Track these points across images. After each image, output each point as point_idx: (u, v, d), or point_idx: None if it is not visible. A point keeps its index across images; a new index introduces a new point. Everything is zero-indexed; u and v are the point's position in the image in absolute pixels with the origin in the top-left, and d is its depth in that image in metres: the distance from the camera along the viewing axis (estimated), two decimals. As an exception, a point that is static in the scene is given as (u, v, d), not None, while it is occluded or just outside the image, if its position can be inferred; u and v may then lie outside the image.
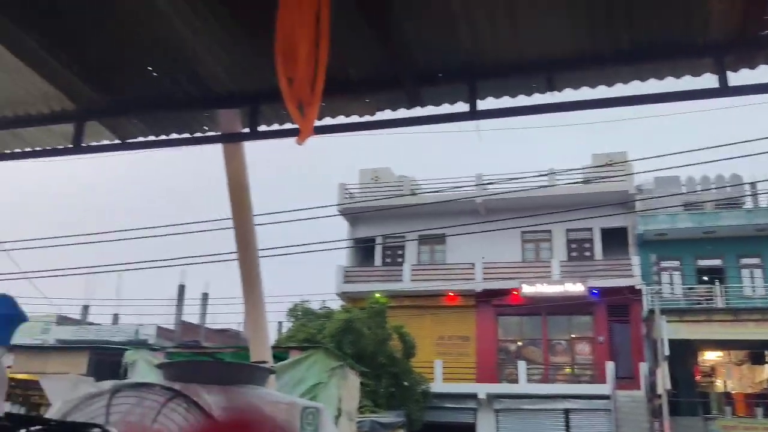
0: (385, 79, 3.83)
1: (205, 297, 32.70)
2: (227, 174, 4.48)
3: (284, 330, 25.37)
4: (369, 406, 16.82)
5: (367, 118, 4.14)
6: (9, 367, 21.37)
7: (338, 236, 26.97)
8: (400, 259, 27.83)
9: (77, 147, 4.60)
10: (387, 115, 4.10)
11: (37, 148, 4.82)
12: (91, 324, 29.97)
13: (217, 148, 4.57)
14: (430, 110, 3.98)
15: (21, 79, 4.26)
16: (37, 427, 1.42)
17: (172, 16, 3.53)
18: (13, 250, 13.19)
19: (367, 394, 15.91)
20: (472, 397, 23.47)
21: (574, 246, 26.35)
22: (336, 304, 25.49)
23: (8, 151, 4.89)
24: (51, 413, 1.91)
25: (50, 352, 22.51)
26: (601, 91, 3.70)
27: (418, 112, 3.99)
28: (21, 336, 23.36)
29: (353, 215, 27.58)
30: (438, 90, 3.91)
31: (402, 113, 4.05)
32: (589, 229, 25.36)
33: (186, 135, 4.51)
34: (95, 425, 1.58)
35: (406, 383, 21.09)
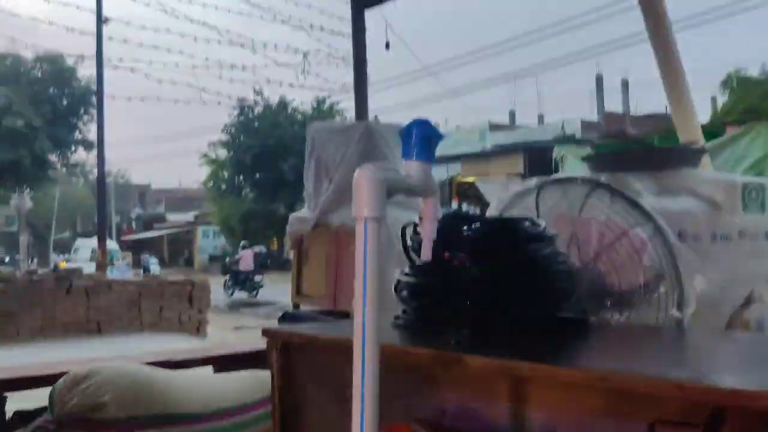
0: None
1: (625, 84, 31.71)
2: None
3: (719, 106, 23.22)
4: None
5: None
6: (459, 174, 24.46)
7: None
8: None
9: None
10: None
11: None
12: (519, 127, 31.87)
13: None
14: None
15: None
16: (477, 223, 1.61)
17: None
18: (437, 72, 14.59)
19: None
20: None
21: None
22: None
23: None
24: (489, 211, 2.17)
25: (489, 157, 24.91)
26: None
27: None
28: (464, 145, 26.20)
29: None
30: None
31: None
32: None
33: None
34: (525, 219, 1.72)
35: None
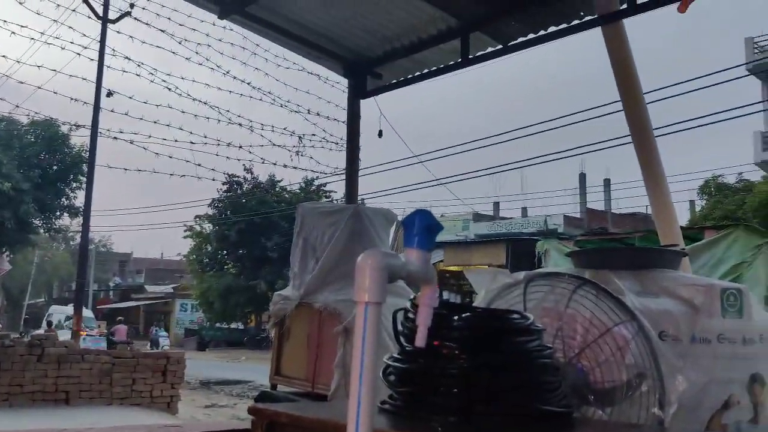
0: None
1: (607, 183, 32.48)
2: (610, 56, 4.32)
3: (697, 209, 23.80)
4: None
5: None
6: (441, 261, 24.55)
7: (750, 99, 23.78)
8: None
9: (465, 59, 4.93)
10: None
11: (432, 68, 5.30)
12: (503, 218, 32.29)
13: (597, 32, 4.42)
14: None
15: (413, 9, 4.75)
16: (468, 314, 1.66)
17: None
18: (426, 161, 14.88)
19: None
20: None
21: None
22: (756, 176, 22.77)
23: (410, 76, 5.49)
24: (477, 302, 2.21)
25: (472, 246, 25.07)
26: None
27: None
28: (446, 234, 26.41)
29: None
30: None
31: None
32: None
33: (563, 26, 4.47)
34: (514, 312, 1.77)
35: None
